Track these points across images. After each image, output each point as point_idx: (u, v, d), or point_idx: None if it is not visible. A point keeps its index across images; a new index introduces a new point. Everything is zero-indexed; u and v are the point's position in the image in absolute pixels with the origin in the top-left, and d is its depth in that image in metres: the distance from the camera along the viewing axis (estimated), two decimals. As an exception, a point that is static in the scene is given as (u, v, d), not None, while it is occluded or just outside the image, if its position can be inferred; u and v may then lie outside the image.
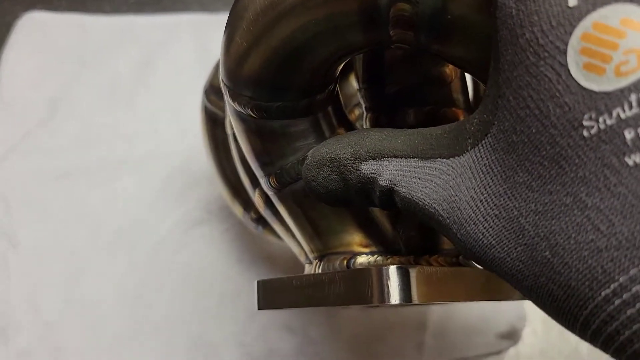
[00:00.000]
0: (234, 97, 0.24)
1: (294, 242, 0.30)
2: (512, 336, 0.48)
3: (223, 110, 0.37)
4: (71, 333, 0.44)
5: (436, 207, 0.19)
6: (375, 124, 0.27)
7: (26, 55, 0.54)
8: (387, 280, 0.22)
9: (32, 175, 0.49)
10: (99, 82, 0.54)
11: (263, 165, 0.26)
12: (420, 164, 0.20)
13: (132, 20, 0.57)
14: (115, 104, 0.53)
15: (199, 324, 0.45)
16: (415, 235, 0.26)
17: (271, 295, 0.28)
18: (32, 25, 0.56)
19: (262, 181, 0.27)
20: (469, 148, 0.19)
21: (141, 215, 0.49)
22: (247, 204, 0.39)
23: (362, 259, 0.26)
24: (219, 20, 0.57)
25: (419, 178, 0.20)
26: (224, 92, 0.24)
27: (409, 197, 0.20)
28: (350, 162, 0.21)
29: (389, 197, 0.21)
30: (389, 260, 0.26)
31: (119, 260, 0.47)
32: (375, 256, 0.26)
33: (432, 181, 0.19)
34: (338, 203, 0.23)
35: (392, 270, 0.22)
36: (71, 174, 0.50)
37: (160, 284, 0.46)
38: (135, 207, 0.49)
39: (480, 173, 0.18)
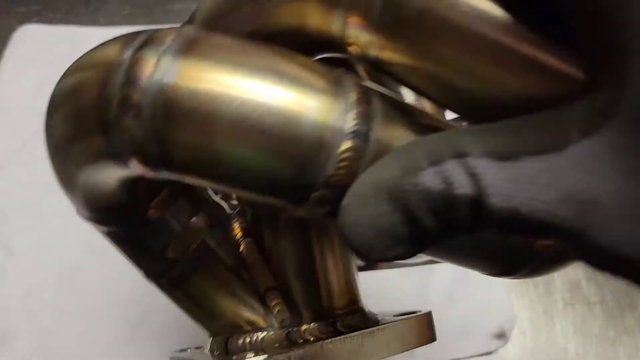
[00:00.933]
0: (81, 215, 0.27)
1: None
2: (501, 337, 0.49)
3: None
4: (67, 339, 0.45)
5: (554, 211, 0.14)
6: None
7: (22, 68, 0.55)
8: None
9: (28, 185, 0.50)
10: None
11: (134, 266, 0.29)
12: (504, 165, 0.15)
13: (125, 32, 0.58)
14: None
15: (196, 330, 0.46)
16: (284, 308, 0.27)
17: None
18: (27, 37, 0.57)
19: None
20: (578, 138, 0.14)
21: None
22: None
23: (239, 340, 0.27)
24: (212, 31, 0.58)
25: (511, 181, 0.14)
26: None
27: (506, 205, 0.14)
28: (403, 177, 0.15)
29: (476, 209, 0.15)
30: (263, 342, 0.26)
31: (113, 265, 0.47)
32: (251, 335, 0.27)
33: (533, 183, 0.14)
34: (399, 248, 0.16)
35: None
36: (67, 182, 0.50)
37: (154, 289, 0.47)
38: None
39: (607, 162, 0.14)
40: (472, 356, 0.48)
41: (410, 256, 0.16)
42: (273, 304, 0.27)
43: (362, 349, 0.24)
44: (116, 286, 0.47)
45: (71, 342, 0.45)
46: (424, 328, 0.27)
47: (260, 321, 0.27)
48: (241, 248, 0.28)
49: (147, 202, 0.25)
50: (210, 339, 0.29)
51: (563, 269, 0.53)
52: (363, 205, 0.16)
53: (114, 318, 0.46)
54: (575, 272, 0.54)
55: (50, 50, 0.57)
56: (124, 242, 0.27)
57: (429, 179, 0.15)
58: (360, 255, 0.19)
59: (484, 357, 0.48)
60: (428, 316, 0.28)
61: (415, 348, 0.27)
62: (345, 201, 0.16)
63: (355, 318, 0.28)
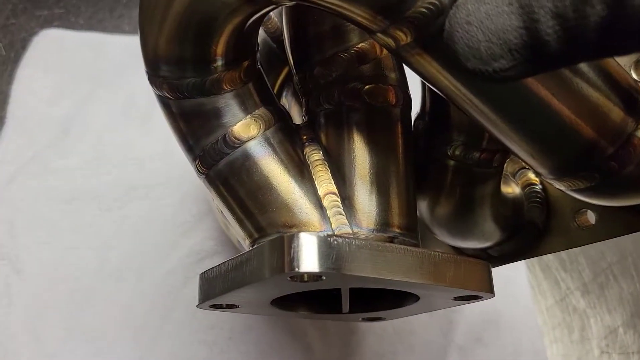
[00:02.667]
0: (152, 82, 0.25)
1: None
2: (533, 386, 0.46)
3: None
4: (73, 364, 0.42)
5: None
6: (307, 107, 0.27)
7: (41, 73, 0.53)
8: (299, 246, 0.21)
9: (40, 198, 0.48)
10: (114, 102, 0.53)
11: (188, 151, 0.26)
12: None
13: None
14: (128, 125, 0.52)
15: (207, 358, 0.43)
16: (342, 215, 0.25)
17: (207, 287, 0.26)
18: (48, 42, 0.55)
19: (193, 169, 0.27)
20: None
21: (150, 242, 0.47)
22: None
23: None
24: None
25: None
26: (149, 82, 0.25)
27: None
28: None
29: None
30: None
31: (126, 289, 0.45)
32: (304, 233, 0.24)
33: None
34: (507, 59, 0.15)
35: (305, 237, 0.21)
36: (80, 197, 0.48)
37: (167, 315, 0.45)
38: (145, 234, 0.47)
39: None
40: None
41: (512, 76, 0.16)
42: (331, 209, 0.25)
43: (420, 268, 0.23)
44: (127, 310, 0.44)
45: (76, 368, 0.42)
46: (484, 276, 0.26)
47: (315, 224, 0.25)
48: (305, 151, 0.26)
49: (223, 73, 0.24)
50: (252, 247, 0.26)
51: (600, 315, 0.50)
52: (481, 1, 0.14)
53: (123, 344, 0.43)
54: (612, 318, 0.50)
55: (71, 57, 0.55)
56: (189, 115, 0.25)
57: None
58: (461, 59, 0.16)
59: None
60: (488, 266, 0.26)
61: (472, 291, 0.25)
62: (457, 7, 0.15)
63: (413, 243, 0.26)
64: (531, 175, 0.33)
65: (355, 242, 0.22)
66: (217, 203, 0.28)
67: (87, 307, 0.44)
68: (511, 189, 0.33)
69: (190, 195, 0.49)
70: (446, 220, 0.31)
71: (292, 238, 0.21)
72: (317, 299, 0.30)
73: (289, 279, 0.21)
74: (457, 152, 0.28)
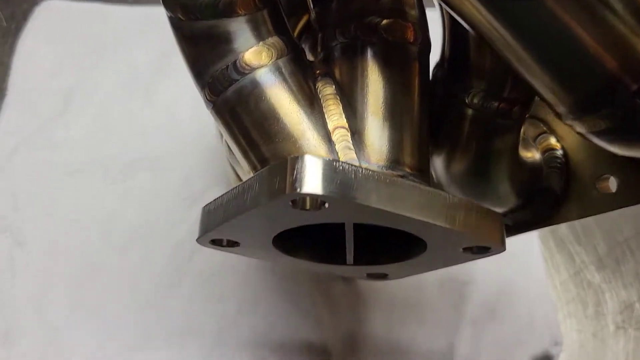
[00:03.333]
0: (166, 4, 0.24)
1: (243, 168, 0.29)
2: (547, 361, 0.45)
3: None
4: (78, 339, 0.41)
5: None
6: (323, 42, 0.27)
7: (42, 44, 0.52)
8: (302, 167, 0.19)
9: (43, 170, 0.47)
10: (117, 73, 0.52)
11: (198, 77, 0.26)
12: None
13: (153, 11, 0.55)
14: (132, 96, 0.51)
15: (215, 332, 0.42)
16: (351, 150, 0.24)
17: (207, 219, 0.25)
18: (50, 12, 0.54)
19: (202, 98, 0.26)
20: None
21: (157, 215, 0.46)
22: None
23: None
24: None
25: None
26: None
27: None
28: None
29: None
30: None
31: (132, 262, 0.44)
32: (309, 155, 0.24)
33: None
34: None
35: (309, 158, 0.20)
36: (84, 169, 0.47)
37: (174, 289, 0.44)
38: (151, 206, 0.46)
39: None
40: (514, 380, 0.44)
41: None
42: (340, 142, 0.24)
43: (429, 207, 0.22)
44: (133, 284, 0.43)
45: (82, 342, 0.41)
46: (496, 226, 0.24)
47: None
48: (317, 84, 0.26)
49: None
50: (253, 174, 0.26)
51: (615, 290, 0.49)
52: None
53: (129, 318, 0.42)
54: (628, 293, 0.49)
55: (73, 28, 0.54)
56: (200, 38, 0.24)
57: None
58: None
59: (528, 382, 0.44)
60: (500, 216, 0.25)
61: (482, 241, 0.24)
62: None
63: (423, 181, 0.25)
64: (552, 140, 0.32)
65: (361, 171, 0.21)
66: (223, 134, 0.27)
67: (92, 280, 0.43)
68: (531, 154, 0.32)
69: (196, 167, 0.48)
70: (461, 178, 0.30)
71: (296, 160, 0.20)
72: (320, 249, 0.29)
73: (290, 204, 0.20)
74: (475, 100, 0.27)
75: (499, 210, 0.32)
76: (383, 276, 0.32)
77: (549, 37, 0.19)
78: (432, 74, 0.29)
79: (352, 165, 0.21)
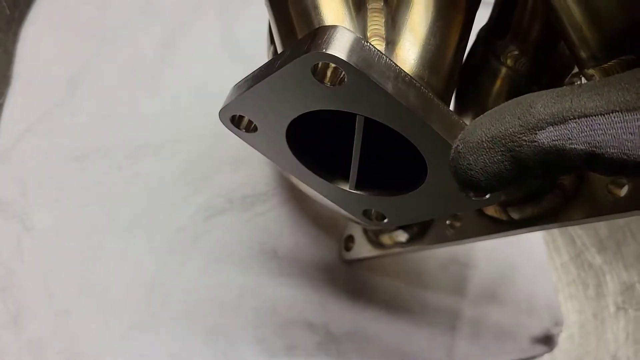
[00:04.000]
0: None
1: None
2: (547, 342, 0.45)
3: None
4: (86, 321, 0.42)
5: None
6: None
7: (46, 31, 0.52)
8: (333, 34, 0.20)
9: (50, 156, 0.47)
10: (121, 60, 0.52)
11: None
12: (628, 117, 0.16)
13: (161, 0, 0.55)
14: (136, 82, 0.51)
15: (218, 315, 0.43)
16: (381, 27, 0.25)
17: (234, 91, 0.26)
18: (53, 0, 0.54)
19: None
20: None
21: (161, 199, 0.47)
22: None
23: None
24: (246, -1, 0.55)
25: (631, 133, 0.16)
26: None
27: (625, 158, 0.16)
28: (521, 135, 0.18)
29: (590, 162, 0.17)
30: None
31: (137, 246, 0.45)
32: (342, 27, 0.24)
33: None
34: (502, 187, 0.19)
35: (341, 29, 0.20)
36: (90, 155, 0.48)
37: (178, 272, 0.45)
38: (155, 191, 0.47)
39: None
40: (514, 361, 0.45)
41: (498, 190, 0.19)
42: (371, 17, 0.25)
43: (441, 120, 0.23)
44: (140, 267, 0.44)
45: (89, 324, 0.42)
46: None
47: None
48: None
49: None
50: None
51: (616, 271, 0.49)
52: (479, 155, 0.18)
53: (136, 301, 0.43)
54: (628, 274, 0.50)
55: (76, 14, 0.54)
56: None
57: (545, 137, 0.17)
58: (465, 188, 0.19)
59: (528, 362, 0.45)
60: None
61: None
62: (461, 150, 0.19)
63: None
64: None
65: (386, 59, 0.21)
66: (270, 19, 0.28)
67: (99, 264, 0.44)
68: None
69: (200, 153, 0.49)
70: None
71: (329, 27, 0.20)
72: (327, 168, 0.30)
73: (312, 70, 0.21)
74: (509, 61, 0.29)
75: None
76: (381, 218, 0.32)
77: None
78: (476, 35, 0.30)
79: (378, 50, 0.21)
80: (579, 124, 0.17)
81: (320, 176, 0.30)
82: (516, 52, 0.29)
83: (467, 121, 0.30)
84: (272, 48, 0.33)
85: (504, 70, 0.29)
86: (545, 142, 0.17)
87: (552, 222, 0.32)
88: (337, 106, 0.23)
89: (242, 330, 0.43)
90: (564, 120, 0.17)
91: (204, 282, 0.44)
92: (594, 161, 0.17)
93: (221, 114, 0.26)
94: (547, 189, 0.31)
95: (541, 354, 0.45)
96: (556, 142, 0.17)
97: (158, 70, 0.52)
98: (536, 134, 0.17)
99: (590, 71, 0.22)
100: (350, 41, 0.20)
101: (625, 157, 0.16)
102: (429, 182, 0.26)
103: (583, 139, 0.17)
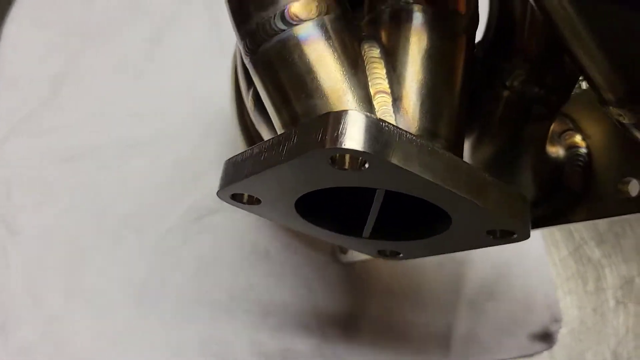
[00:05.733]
0: None
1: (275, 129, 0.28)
2: (546, 338, 0.44)
3: None
4: (75, 326, 0.41)
5: None
6: (371, 3, 0.26)
7: (29, 29, 0.51)
8: (347, 122, 0.19)
9: (35, 158, 0.46)
10: (107, 58, 0.51)
11: (240, 24, 0.25)
12: None
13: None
14: (123, 81, 0.50)
15: (210, 318, 0.42)
16: (393, 115, 0.24)
17: (232, 171, 0.24)
18: (36, -4, 0.53)
19: (241, 48, 0.25)
20: None
21: (149, 201, 0.46)
22: None
23: None
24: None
25: None
26: None
27: None
28: None
29: None
30: None
31: (126, 248, 0.44)
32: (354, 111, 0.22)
33: None
34: None
35: (354, 114, 0.19)
36: (76, 156, 0.47)
37: (168, 275, 0.44)
38: (144, 192, 0.46)
39: None
40: (513, 358, 0.44)
41: None
42: (380, 108, 0.24)
43: (466, 181, 0.21)
44: (128, 270, 0.43)
45: (78, 329, 0.41)
46: (524, 211, 0.24)
47: None
48: (363, 46, 0.25)
49: None
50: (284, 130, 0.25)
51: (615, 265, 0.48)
52: None
53: (126, 304, 0.42)
54: (628, 268, 0.49)
55: (59, 12, 0.53)
56: None
57: None
58: None
59: (527, 359, 0.44)
60: (527, 202, 0.24)
61: (509, 225, 0.23)
62: None
63: (455, 153, 0.24)
64: (577, 138, 0.31)
65: (406, 135, 0.20)
66: (258, 87, 0.26)
67: (87, 268, 0.43)
68: (555, 150, 0.31)
69: (189, 153, 0.48)
70: (485, 164, 0.30)
71: (341, 114, 0.19)
72: (338, 217, 0.28)
73: (329, 161, 0.19)
74: (515, 83, 0.27)
75: None
76: (395, 254, 0.31)
77: (620, 30, 0.18)
78: (475, 51, 0.28)
79: (397, 127, 0.20)
80: None
81: (332, 230, 0.29)
82: (522, 75, 0.27)
83: (468, 142, 0.29)
84: (252, 92, 0.31)
85: (507, 94, 0.27)
86: None
87: (561, 222, 0.31)
88: (356, 184, 0.22)
89: (235, 334, 0.42)
90: None
91: (195, 285, 0.43)
92: None
93: (220, 194, 0.25)
94: (556, 190, 0.30)
95: (540, 351, 0.44)
96: None
97: (145, 68, 0.51)
98: None
99: (616, 110, 0.21)
100: (367, 127, 0.19)
101: None
102: (451, 230, 0.25)
103: None
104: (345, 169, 0.20)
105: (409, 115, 0.24)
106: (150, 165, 0.47)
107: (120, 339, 0.41)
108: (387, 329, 0.43)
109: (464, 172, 0.22)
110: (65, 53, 0.51)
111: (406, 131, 0.21)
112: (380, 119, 0.20)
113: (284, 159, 0.20)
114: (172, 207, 0.45)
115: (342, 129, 0.19)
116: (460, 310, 0.44)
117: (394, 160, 0.19)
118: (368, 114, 0.19)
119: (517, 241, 0.25)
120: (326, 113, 0.19)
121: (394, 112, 0.24)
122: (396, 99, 0.24)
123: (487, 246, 0.26)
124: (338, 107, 0.23)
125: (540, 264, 0.48)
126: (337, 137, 0.18)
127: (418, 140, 0.20)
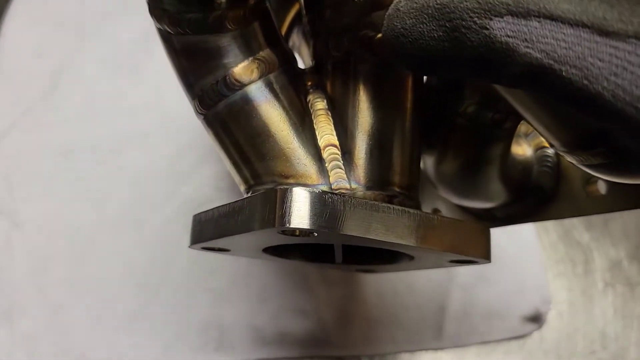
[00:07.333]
0: (153, 14, 0.23)
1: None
2: (536, 320, 0.46)
3: None
4: (78, 314, 0.42)
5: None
6: (315, 50, 0.26)
7: (27, 26, 0.52)
8: (291, 201, 0.20)
9: (35, 152, 0.47)
10: (103, 52, 0.52)
11: (188, 89, 0.25)
12: (600, 40, 0.13)
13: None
14: (119, 75, 0.51)
15: (210, 305, 0.44)
16: (341, 169, 0.24)
17: (199, 230, 0.26)
18: (32, -7, 0.53)
19: (192, 108, 0.26)
20: None
21: (148, 191, 0.47)
22: None
23: None
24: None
25: (599, 59, 0.13)
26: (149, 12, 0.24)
27: (587, 85, 0.14)
28: (474, 14, 0.15)
29: (532, 78, 0.15)
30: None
31: (126, 239, 0.45)
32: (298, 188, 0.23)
33: (626, 69, 0.13)
34: (422, 70, 0.17)
35: (298, 192, 0.20)
36: (75, 149, 0.48)
37: (168, 263, 0.45)
38: (142, 183, 0.47)
39: None
40: (505, 339, 0.45)
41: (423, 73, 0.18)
42: (330, 162, 0.24)
43: (417, 231, 0.22)
44: (130, 259, 0.44)
45: (82, 317, 0.42)
46: (482, 241, 0.25)
47: (312, 176, 0.24)
48: (309, 98, 0.25)
49: (227, 10, 0.22)
50: (247, 193, 0.26)
51: (603, 249, 0.49)
52: (418, 21, 0.16)
53: (127, 293, 0.43)
54: (616, 251, 0.50)
55: (56, 8, 0.53)
56: (190, 52, 0.24)
57: (500, 27, 0.14)
58: (389, 55, 0.18)
59: (518, 340, 0.45)
60: (487, 231, 0.26)
61: (468, 257, 0.24)
62: (401, 7, 0.16)
63: (412, 203, 0.25)
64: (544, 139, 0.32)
65: (351, 201, 0.21)
66: (214, 146, 0.27)
67: (89, 258, 0.44)
68: (522, 151, 0.31)
69: (186, 143, 0.48)
70: (451, 178, 0.30)
71: (285, 192, 0.20)
72: (310, 248, 0.30)
73: (280, 232, 0.21)
74: (469, 111, 0.27)
75: (489, 205, 0.32)
76: (370, 271, 0.33)
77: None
78: (427, 80, 0.28)
79: (341, 195, 0.21)
80: (542, 25, 0.14)
81: (304, 261, 0.30)
82: (474, 103, 0.26)
83: (432, 158, 0.30)
84: None
85: (463, 121, 0.27)
86: (498, 35, 0.14)
87: (535, 220, 0.32)
88: (311, 242, 0.23)
89: (234, 319, 0.43)
90: (526, 14, 0.14)
91: (194, 272, 0.44)
92: (544, 79, 0.14)
93: (191, 247, 0.27)
94: (527, 190, 0.31)
95: (530, 332, 0.46)
96: (510, 39, 0.14)
97: (141, 62, 0.51)
98: (491, 19, 0.14)
99: (562, 153, 0.21)
100: (311, 203, 0.20)
101: (586, 83, 0.13)
102: (416, 260, 0.27)
103: (542, 45, 0.14)
104: (297, 235, 0.21)
105: (359, 168, 0.24)
106: (147, 158, 0.48)
107: (122, 326, 0.42)
108: (380, 311, 0.44)
109: (415, 221, 0.22)
110: (62, 48, 0.52)
111: (351, 196, 0.22)
112: (323, 191, 0.21)
113: (238, 230, 0.22)
114: (171, 197, 0.47)
115: (287, 207, 0.20)
116: (452, 293, 0.45)
117: (339, 230, 0.20)
118: (311, 189, 0.20)
119: (480, 264, 0.26)
120: (273, 190, 0.21)
121: (343, 164, 0.24)
122: (345, 152, 0.24)
123: (452, 267, 0.28)
124: (289, 167, 0.24)
125: (531, 247, 0.49)
126: (282, 216, 0.20)
127: (364, 202, 0.21)
